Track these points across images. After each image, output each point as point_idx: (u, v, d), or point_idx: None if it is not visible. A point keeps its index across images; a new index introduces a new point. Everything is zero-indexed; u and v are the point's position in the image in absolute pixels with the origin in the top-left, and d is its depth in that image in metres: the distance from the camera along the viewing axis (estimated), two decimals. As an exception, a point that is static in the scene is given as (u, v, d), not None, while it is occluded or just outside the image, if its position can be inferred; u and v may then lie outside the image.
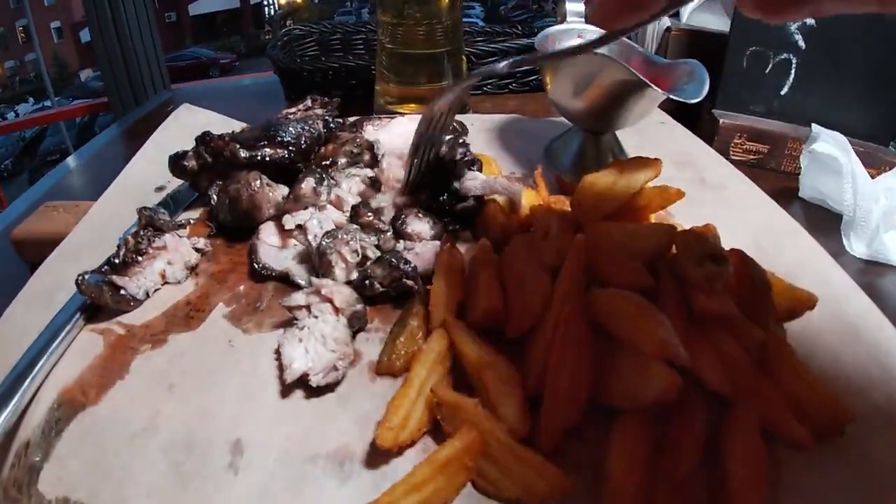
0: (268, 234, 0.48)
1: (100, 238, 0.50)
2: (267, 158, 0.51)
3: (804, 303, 0.42)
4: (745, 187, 0.60)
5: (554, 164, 0.62)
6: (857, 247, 0.59)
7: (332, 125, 0.54)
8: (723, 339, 0.35)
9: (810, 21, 0.72)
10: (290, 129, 0.52)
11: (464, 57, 0.78)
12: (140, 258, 0.45)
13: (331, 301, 0.39)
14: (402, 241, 0.46)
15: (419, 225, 0.45)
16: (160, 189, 0.58)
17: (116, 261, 0.44)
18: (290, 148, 0.51)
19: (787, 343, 0.38)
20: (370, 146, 0.53)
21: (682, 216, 0.54)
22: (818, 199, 0.68)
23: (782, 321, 0.42)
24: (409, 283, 0.41)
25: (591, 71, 0.52)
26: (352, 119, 0.61)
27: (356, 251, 0.43)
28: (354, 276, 0.43)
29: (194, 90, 1.32)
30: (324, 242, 0.43)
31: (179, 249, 0.47)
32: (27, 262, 0.53)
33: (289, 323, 0.41)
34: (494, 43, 0.91)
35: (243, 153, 0.51)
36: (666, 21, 0.86)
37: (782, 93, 0.75)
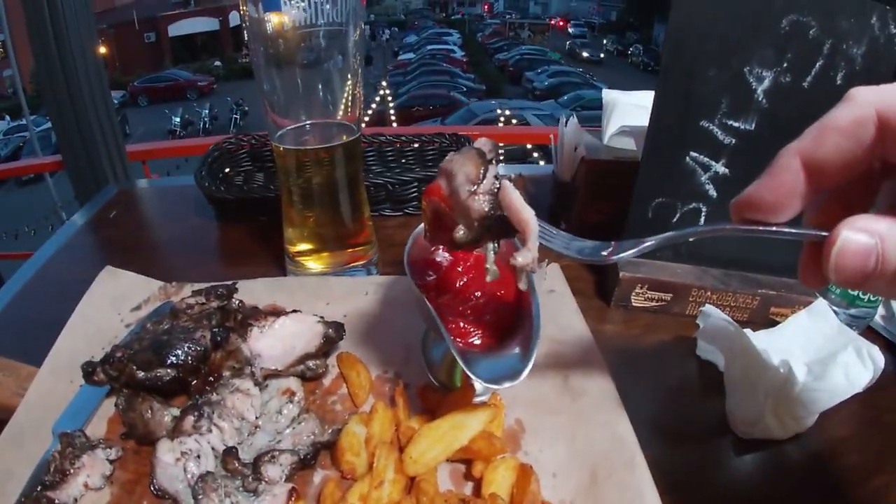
0: (164, 451, 0.57)
1: (38, 424, 0.59)
2: (159, 382, 0.58)
3: None
4: (604, 396, 0.59)
5: (426, 357, 0.63)
6: (741, 428, 0.59)
7: (219, 337, 0.61)
8: None
9: (722, 170, 0.67)
10: (178, 350, 0.59)
11: (363, 189, 0.77)
12: (66, 476, 0.55)
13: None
14: (263, 483, 0.54)
15: (273, 470, 0.53)
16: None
17: (47, 479, 0.55)
18: (179, 368, 0.59)
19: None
20: (248, 362, 0.60)
21: (529, 436, 0.58)
22: (713, 361, 0.69)
23: None
24: (251, 538, 0.50)
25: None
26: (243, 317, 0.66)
27: (222, 497, 0.52)
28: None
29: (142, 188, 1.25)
30: (197, 486, 0.52)
31: (95, 465, 0.57)
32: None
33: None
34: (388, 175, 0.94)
35: (140, 374, 0.59)
36: (582, 150, 0.81)
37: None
